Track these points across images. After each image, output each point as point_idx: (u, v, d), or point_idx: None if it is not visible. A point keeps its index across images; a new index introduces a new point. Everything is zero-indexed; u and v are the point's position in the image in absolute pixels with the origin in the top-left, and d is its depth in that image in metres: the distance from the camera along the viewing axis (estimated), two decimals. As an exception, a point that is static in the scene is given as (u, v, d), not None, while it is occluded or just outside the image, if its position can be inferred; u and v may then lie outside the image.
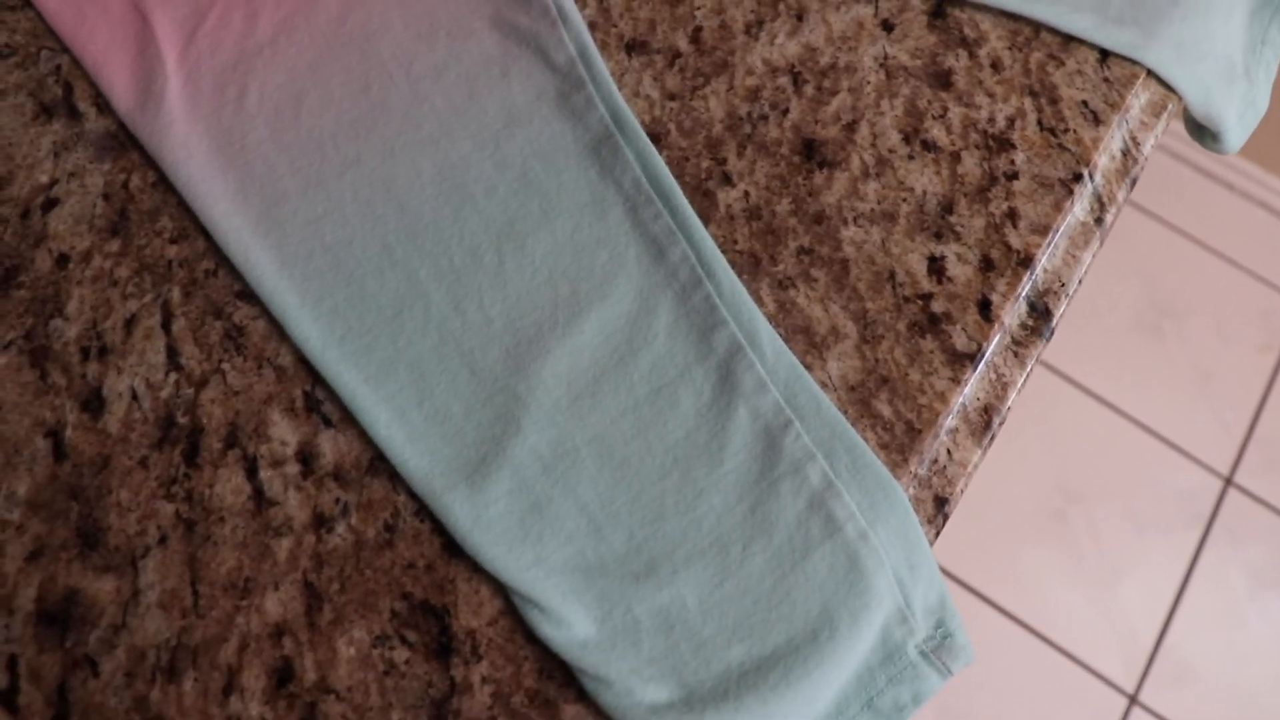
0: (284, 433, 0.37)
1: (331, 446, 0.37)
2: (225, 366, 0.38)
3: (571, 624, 0.34)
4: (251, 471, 0.36)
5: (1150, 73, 0.46)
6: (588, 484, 0.36)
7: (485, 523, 0.35)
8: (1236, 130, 0.50)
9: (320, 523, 0.36)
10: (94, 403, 0.37)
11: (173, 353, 0.38)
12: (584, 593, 0.34)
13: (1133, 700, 1.39)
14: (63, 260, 0.39)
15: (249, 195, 0.40)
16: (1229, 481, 1.54)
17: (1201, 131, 0.51)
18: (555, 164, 0.41)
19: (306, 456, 0.36)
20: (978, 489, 1.48)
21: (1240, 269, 1.71)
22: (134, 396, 0.37)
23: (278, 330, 0.38)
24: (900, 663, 0.35)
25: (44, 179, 0.41)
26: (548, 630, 0.34)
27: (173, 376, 0.38)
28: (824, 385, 0.38)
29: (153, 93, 0.42)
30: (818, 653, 0.34)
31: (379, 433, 0.36)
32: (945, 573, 1.41)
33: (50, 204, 0.40)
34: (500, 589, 0.35)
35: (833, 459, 0.36)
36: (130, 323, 0.38)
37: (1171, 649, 1.42)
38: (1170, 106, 0.47)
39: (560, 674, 0.34)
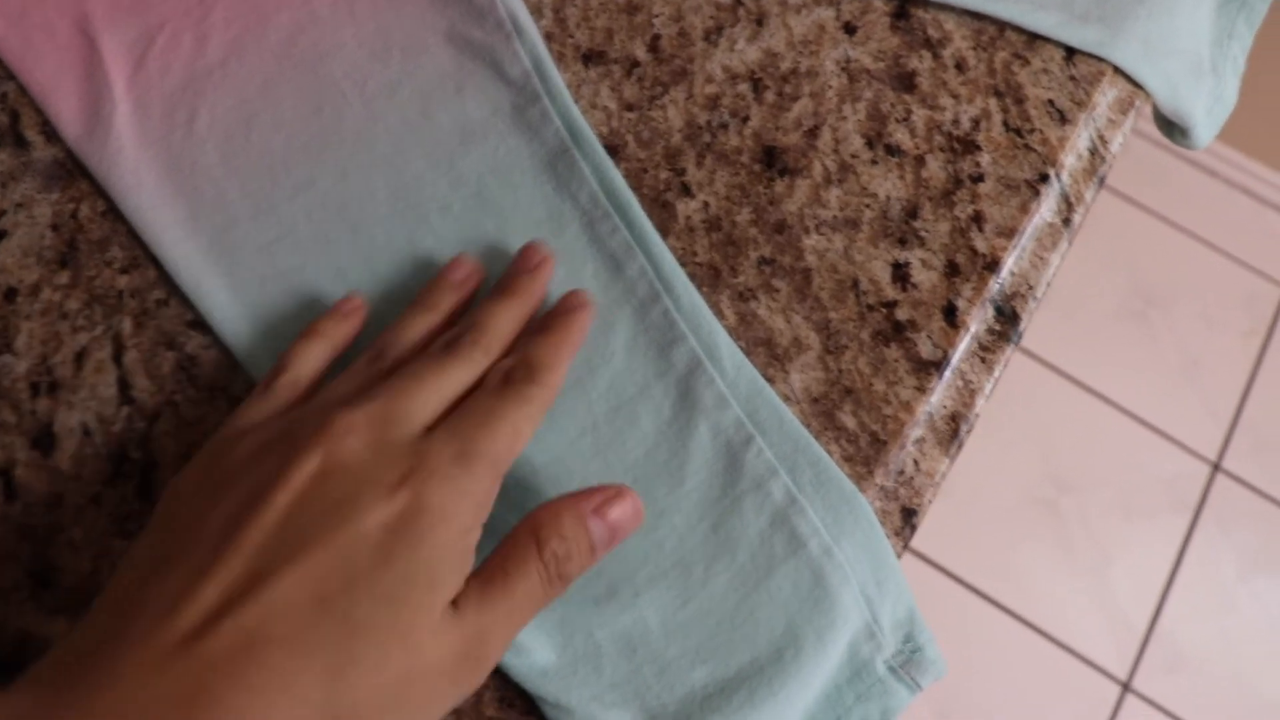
0: (239, 464, 0.36)
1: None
2: (178, 398, 0.37)
3: (531, 651, 0.33)
4: (207, 504, 0.36)
5: (1117, 70, 0.45)
6: None
7: None
8: (1205, 125, 0.50)
9: (278, 555, 0.35)
10: (44, 440, 0.36)
11: (124, 385, 0.37)
12: (544, 619, 0.34)
13: (1126, 688, 1.39)
14: (10, 294, 0.39)
15: (199, 221, 0.39)
16: (1217, 467, 1.54)
17: (1171, 127, 0.51)
18: (511, 180, 0.40)
19: (262, 487, 0.36)
20: (966, 481, 1.48)
21: (1224, 254, 1.71)
22: (85, 432, 0.37)
23: (230, 359, 0.38)
24: (868, 679, 0.34)
25: (-9, 209, 0.40)
26: (507, 659, 0.33)
27: (125, 410, 0.37)
28: (786, 398, 0.37)
29: (101, 119, 0.41)
30: (783, 673, 0.33)
31: None
32: (935, 566, 1.41)
33: (-2, 235, 0.40)
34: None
35: (796, 474, 0.35)
36: (81, 356, 0.38)
37: (1163, 635, 1.42)
38: (1137, 103, 0.46)
39: (521, 702, 0.34)
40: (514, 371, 0.33)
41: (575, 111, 0.41)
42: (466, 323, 0.35)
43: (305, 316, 0.38)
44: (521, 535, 0.30)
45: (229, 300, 0.38)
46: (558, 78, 0.42)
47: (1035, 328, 1.60)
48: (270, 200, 0.40)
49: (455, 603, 0.28)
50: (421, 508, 0.28)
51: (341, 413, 0.30)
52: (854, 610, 0.34)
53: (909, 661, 0.35)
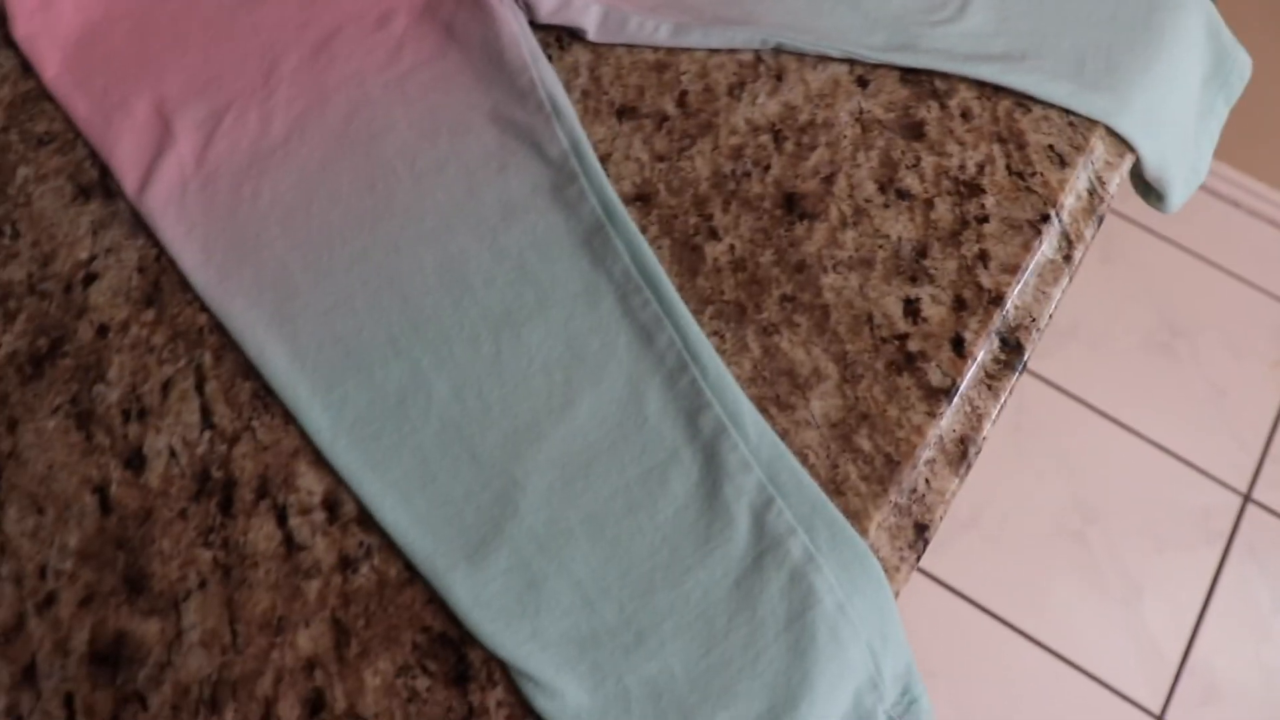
0: (310, 483, 0.40)
1: (353, 495, 0.40)
2: (255, 424, 0.41)
3: (565, 695, 0.36)
4: (281, 519, 0.39)
5: (1115, 134, 0.48)
6: (581, 561, 0.38)
7: (485, 600, 0.37)
8: (1180, 193, 0.53)
9: (346, 564, 0.39)
10: (135, 460, 0.40)
11: (206, 412, 0.41)
12: (577, 664, 0.36)
13: (1159, 720, 1.39)
14: (103, 330, 0.43)
15: (264, 291, 0.43)
16: (1248, 498, 1.54)
17: (1146, 189, 0.54)
18: (550, 255, 0.43)
19: (331, 504, 0.40)
20: (996, 515, 1.49)
21: (1249, 285, 1.72)
22: (172, 454, 0.41)
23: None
24: None
25: (84, 255, 0.45)
26: (542, 703, 0.36)
27: (207, 434, 0.41)
28: (807, 423, 0.41)
29: (174, 196, 0.45)
30: (797, 719, 0.36)
31: (385, 516, 0.39)
32: (966, 599, 1.42)
33: (90, 278, 0.44)
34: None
35: (813, 534, 0.38)
36: (166, 386, 0.42)
37: (1197, 667, 1.42)
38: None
39: None
40: None
41: (610, 190, 0.44)
42: None
43: (360, 379, 0.41)
44: None
45: (289, 366, 0.41)
46: (594, 158, 0.45)
47: (1062, 361, 1.61)
48: (328, 270, 0.44)
49: None
50: None
51: None
52: (860, 662, 0.37)
53: (906, 712, 0.38)
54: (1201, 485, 1.55)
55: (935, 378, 0.42)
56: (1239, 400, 1.62)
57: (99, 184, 0.46)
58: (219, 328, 0.43)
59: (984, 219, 0.45)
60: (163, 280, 0.44)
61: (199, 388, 0.42)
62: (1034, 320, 0.44)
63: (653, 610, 0.37)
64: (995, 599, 1.43)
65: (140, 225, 0.45)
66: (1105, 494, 1.53)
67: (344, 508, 0.39)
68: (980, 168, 0.47)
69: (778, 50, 0.50)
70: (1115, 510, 1.52)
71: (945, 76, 0.49)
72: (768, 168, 0.47)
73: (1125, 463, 1.56)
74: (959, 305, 0.43)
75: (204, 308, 0.43)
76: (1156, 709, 1.39)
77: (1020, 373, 0.43)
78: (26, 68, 0.49)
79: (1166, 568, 1.49)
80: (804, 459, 0.40)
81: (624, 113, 0.48)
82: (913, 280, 0.44)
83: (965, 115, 0.48)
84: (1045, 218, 0.46)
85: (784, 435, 0.40)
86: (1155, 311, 1.69)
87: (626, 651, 0.37)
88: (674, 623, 0.37)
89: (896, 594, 0.39)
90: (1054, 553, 1.49)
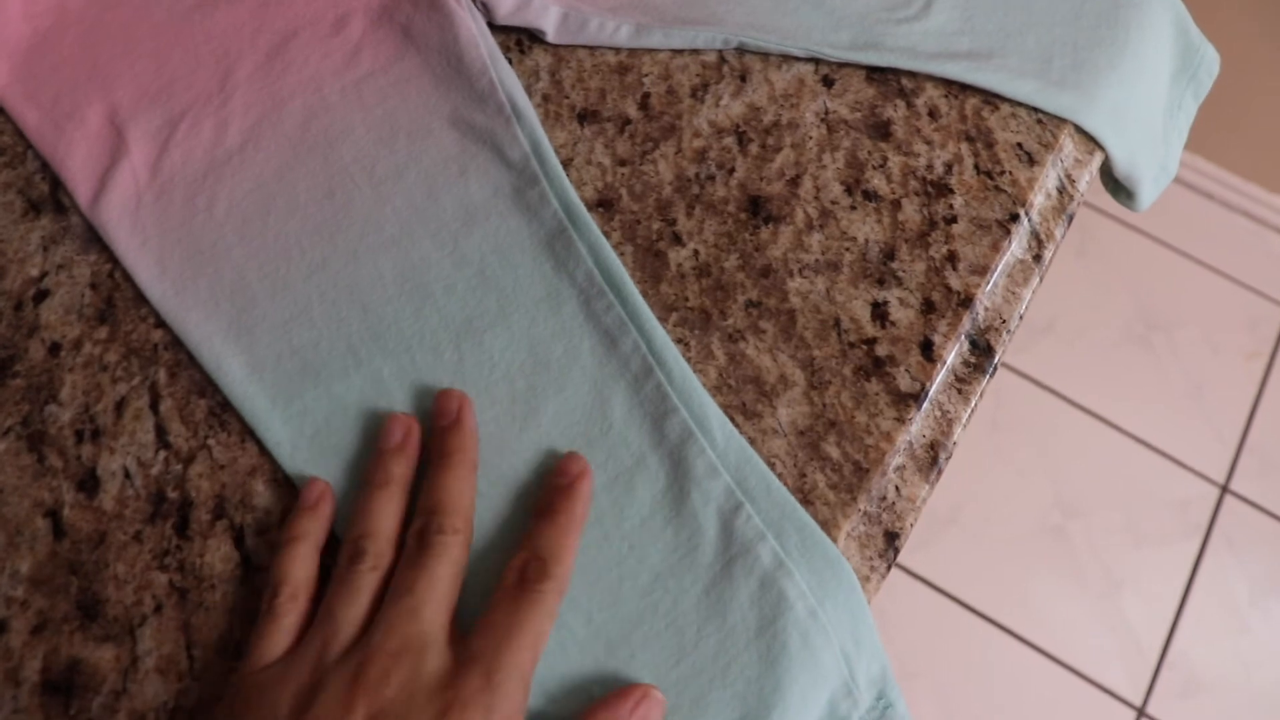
0: (268, 502, 0.39)
1: (312, 513, 0.39)
2: (210, 442, 0.40)
3: (532, 708, 0.35)
4: (239, 540, 0.38)
5: (1083, 132, 0.48)
6: None
7: None
8: (1150, 191, 0.52)
9: (305, 585, 0.38)
10: (89, 482, 0.39)
11: (161, 431, 0.40)
12: (547, 676, 0.36)
13: (1140, 713, 1.40)
14: (55, 349, 0.42)
15: (220, 302, 0.42)
16: (1225, 489, 1.55)
17: (1116, 188, 0.53)
18: (511, 260, 0.43)
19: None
20: (976, 510, 1.49)
21: (1225, 278, 1.73)
22: (126, 475, 0.40)
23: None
24: None
25: (34, 272, 0.43)
26: None
27: (162, 454, 0.40)
28: (774, 431, 0.40)
29: (128, 207, 0.44)
30: None
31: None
32: (947, 595, 1.42)
33: (41, 295, 0.43)
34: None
35: (783, 538, 0.37)
36: (120, 405, 0.41)
37: (1177, 659, 1.43)
38: (1104, 143, 0.49)
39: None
40: (527, 569, 0.35)
41: (572, 193, 0.43)
42: (427, 504, 0.36)
43: (320, 391, 0.40)
44: None
45: (247, 377, 0.40)
46: (555, 160, 0.44)
47: (1039, 355, 1.62)
48: (286, 281, 0.43)
49: None
50: None
51: (372, 660, 0.32)
52: (834, 669, 0.36)
53: (882, 717, 0.37)
54: (1180, 478, 1.56)
55: (904, 382, 0.41)
56: (1216, 392, 1.63)
57: (50, 198, 0.45)
58: (174, 344, 0.42)
59: (952, 219, 0.45)
60: (116, 296, 0.43)
61: (154, 406, 0.41)
62: (1004, 321, 0.44)
63: (621, 620, 0.37)
64: (976, 595, 1.43)
65: (93, 241, 0.44)
66: (1084, 488, 1.53)
67: (302, 527, 0.39)
68: (948, 167, 0.46)
69: (741, 50, 0.49)
70: (1094, 504, 1.53)
71: (912, 75, 0.49)
72: (732, 170, 0.46)
73: (1104, 456, 1.56)
74: (928, 308, 0.43)
75: (158, 324, 0.42)
76: (1138, 702, 1.39)
77: (990, 375, 0.43)
78: (-26, 80, 0.48)
79: (1146, 561, 1.49)
80: (771, 468, 0.39)
81: (585, 116, 0.47)
82: (880, 283, 0.43)
83: (932, 114, 0.48)
84: (1014, 217, 0.45)
85: (751, 444, 0.40)
86: (1132, 305, 1.69)
87: (596, 663, 0.36)
88: (643, 633, 0.36)
89: (868, 601, 0.38)
90: (1034, 548, 1.49)
